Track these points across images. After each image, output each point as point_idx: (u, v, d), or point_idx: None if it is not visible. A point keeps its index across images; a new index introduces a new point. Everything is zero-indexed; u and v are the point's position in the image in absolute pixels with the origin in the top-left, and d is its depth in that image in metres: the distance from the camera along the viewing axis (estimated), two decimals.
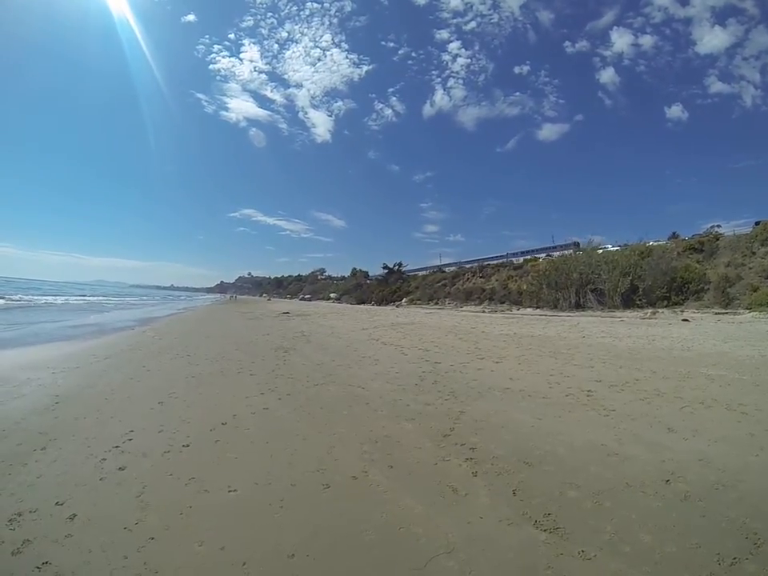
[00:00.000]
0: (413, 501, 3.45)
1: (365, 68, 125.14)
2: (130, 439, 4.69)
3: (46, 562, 2.65)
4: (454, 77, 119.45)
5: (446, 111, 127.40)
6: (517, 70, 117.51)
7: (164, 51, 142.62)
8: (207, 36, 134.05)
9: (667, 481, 3.71)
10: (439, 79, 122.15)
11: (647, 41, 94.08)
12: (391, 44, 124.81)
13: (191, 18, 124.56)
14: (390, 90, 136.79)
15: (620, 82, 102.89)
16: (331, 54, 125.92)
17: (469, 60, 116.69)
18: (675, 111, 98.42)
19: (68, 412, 5.57)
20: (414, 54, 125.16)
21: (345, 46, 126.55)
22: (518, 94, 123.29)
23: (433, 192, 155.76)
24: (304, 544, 2.90)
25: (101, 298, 50.64)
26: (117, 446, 4.48)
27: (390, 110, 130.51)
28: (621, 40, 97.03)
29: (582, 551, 2.79)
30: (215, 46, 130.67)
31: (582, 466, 4.02)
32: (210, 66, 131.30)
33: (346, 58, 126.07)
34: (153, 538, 2.93)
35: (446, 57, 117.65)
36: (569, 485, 3.66)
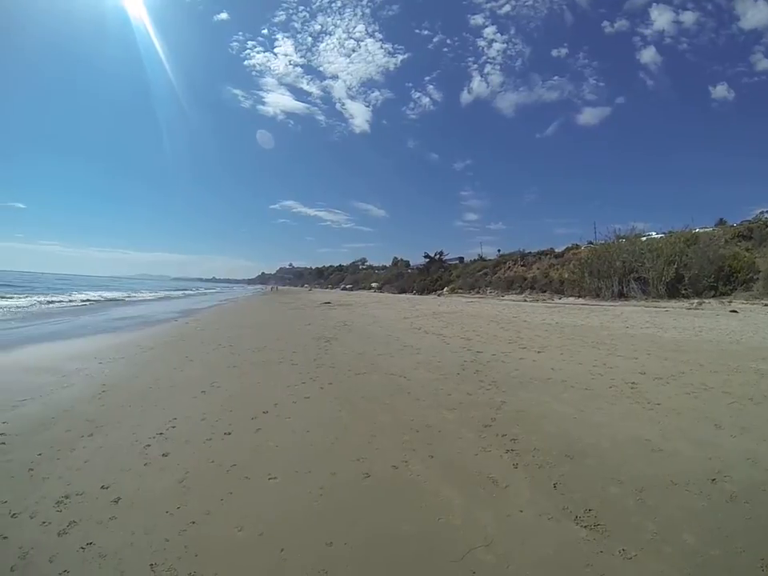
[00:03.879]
0: (452, 492, 3.47)
1: (400, 57, 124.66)
2: (174, 427, 4.91)
3: (91, 543, 2.81)
4: (490, 63, 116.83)
5: (484, 98, 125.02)
6: (554, 53, 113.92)
7: (199, 50, 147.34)
8: (240, 33, 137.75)
9: (713, 480, 3.59)
10: (476, 65, 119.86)
11: (688, 17, 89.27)
12: (425, 32, 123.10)
13: (224, 16, 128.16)
14: (427, 78, 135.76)
15: (662, 61, 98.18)
16: (365, 45, 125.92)
17: (505, 45, 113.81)
18: (721, 91, 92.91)
19: (114, 400, 5.87)
20: (448, 41, 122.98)
21: (379, 35, 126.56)
22: (556, 78, 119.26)
23: (473, 180, 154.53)
24: (342, 532, 2.95)
25: (144, 292, 52.76)
26: (161, 433, 4.70)
27: (428, 99, 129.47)
28: (661, 17, 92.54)
29: (623, 550, 2.73)
30: (249, 42, 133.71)
31: (625, 461, 3.96)
32: (245, 62, 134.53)
33: (381, 47, 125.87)
34: (194, 522, 3.06)
35: (481, 42, 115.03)
36: (611, 480, 3.60)
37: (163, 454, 4.18)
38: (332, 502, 3.36)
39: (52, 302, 27.17)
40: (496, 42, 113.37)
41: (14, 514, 3.13)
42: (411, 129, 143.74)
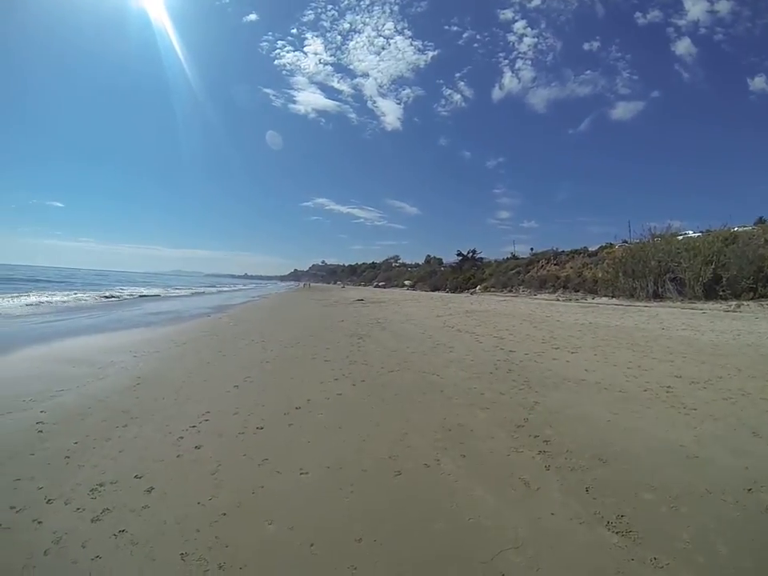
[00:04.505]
0: (484, 492, 3.45)
1: (430, 54, 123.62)
2: (207, 420, 5.02)
3: (123, 530, 2.89)
4: (521, 58, 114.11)
5: (516, 94, 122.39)
6: (586, 46, 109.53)
7: (229, 51, 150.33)
8: (270, 33, 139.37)
9: (749, 489, 3.45)
10: (506, 61, 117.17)
11: (723, 6, 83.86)
12: (455, 28, 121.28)
13: (253, 17, 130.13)
14: (458, 74, 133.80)
15: (697, 53, 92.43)
16: (395, 42, 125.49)
17: (535, 39, 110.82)
18: (759, 82, 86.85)
19: (148, 393, 6.04)
20: (478, 37, 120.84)
21: (408, 32, 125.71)
22: (588, 72, 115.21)
23: (505, 177, 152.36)
24: (372, 529, 2.97)
25: (177, 287, 54.20)
26: (193, 426, 4.81)
27: (459, 96, 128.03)
28: (695, 7, 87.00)
29: (655, 558, 2.66)
30: (279, 41, 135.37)
31: (659, 467, 3.86)
32: (276, 62, 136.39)
33: (411, 44, 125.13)
34: (225, 514, 3.11)
35: (511, 37, 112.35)
36: (644, 486, 3.52)
37: (196, 447, 4.27)
38: (363, 498, 3.38)
39: (87, 297, 28.18)
40: (526, 36, 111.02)
41: (50, 500, 3.24)
42: (443, 126, 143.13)
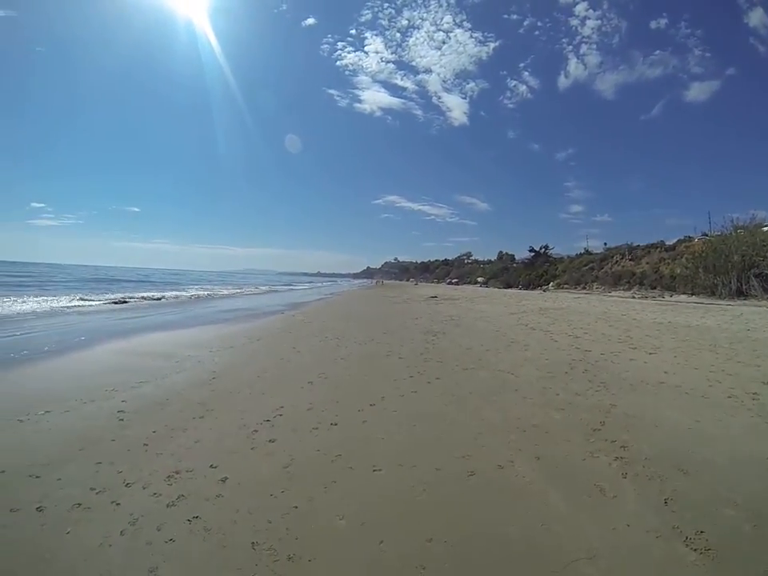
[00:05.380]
0: (558, 497, 3.35)
1: (491, 45, 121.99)
2: (281, 415, 5.16)
3: (197, 517, 3.01)
4: (585, 42, 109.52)
5: (582, 81, 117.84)
6: (653, 24, 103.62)
7: (292, 55, 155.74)
8: (330, 35, 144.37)
9: None
10: (570, 47, 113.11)
11: None
12: (514, 16, 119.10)
13: (311, 21, 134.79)
14: (521, 64, 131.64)
15: None
16: (455, 35, 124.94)
17: (599, 21, 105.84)
18: None
19: (223, 386, 6.30)
20: (539, 24, 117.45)
21: (467, 25, 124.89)
22: (658, 52, 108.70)
23: (576, 169, 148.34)
24: (443, 530, 2.93)
25: (250, 285, 56.42)
26: (268, 420, 4.96)
27: (524, 86, 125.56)
28: None
29: None
30: (339, 43, 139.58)
31: (744, 482, 3.58)
32: (338, 63, 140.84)
33: (471, 37, 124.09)
34: (296, 507, 3.17)
35: (574, 21, 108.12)
36: (726, 501, 3.27)
37: (270, 440, 4.40)
38: (435, 497, 3.35)
39: (163, 296, 29.94)
40: (589, 19, 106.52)
41: (128, 484, 3.45)
42: (510, 119, 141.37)
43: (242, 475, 3.65)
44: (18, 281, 38.94)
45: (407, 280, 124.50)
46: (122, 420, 4.86)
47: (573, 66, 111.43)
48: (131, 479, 3.51)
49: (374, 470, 3.77)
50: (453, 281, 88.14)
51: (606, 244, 56.03)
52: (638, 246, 46.44)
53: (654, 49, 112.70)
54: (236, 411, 5.26)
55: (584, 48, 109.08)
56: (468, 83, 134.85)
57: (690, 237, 41.74)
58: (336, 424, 4.88)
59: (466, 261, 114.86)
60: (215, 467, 3.77)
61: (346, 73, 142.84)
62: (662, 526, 2.97)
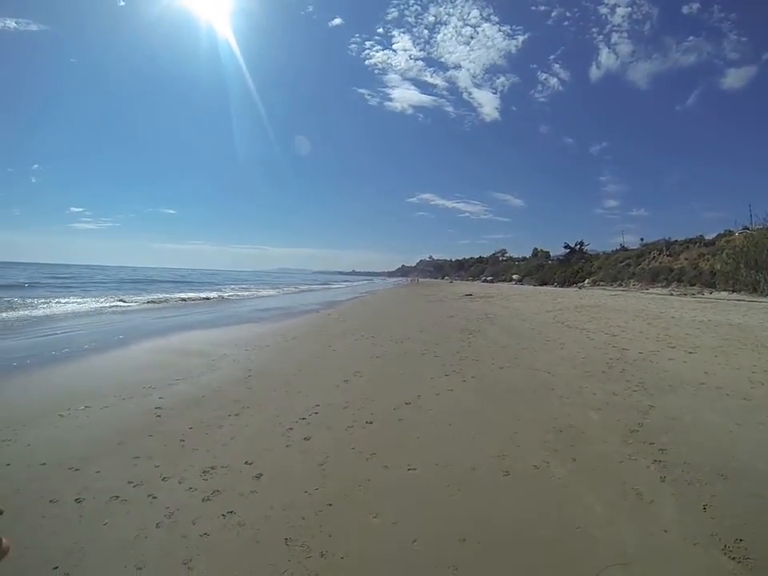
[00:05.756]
0: (593, 500, 3.29)
1: (520, 38, 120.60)
2: (316, 413, 5.21)
3: (231, 512, 3.07)
4: (616, 31, 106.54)
5: (615, 71, 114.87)
6: (685, 9, 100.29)
7: (320, 56, 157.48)
8: (357, 34, 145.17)
9: None
10: (601, 36, 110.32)
11: None
12: (542, 7, 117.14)
13: (338, 21, 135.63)
14: (551, 57, 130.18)
15: None
16: (483, 30, 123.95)
17: (629, 9, 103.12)
18: None
19: (259, 384, 6.41)
20: (568, 14, 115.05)
21: (494, 18, 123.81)
22: (691, 38, 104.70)
23: (610, 163, 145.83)
24: (476, 530, 2.90)
25: (285, 285, 57.09)
26: (303, 418, 5.01)
27: (555, 79, 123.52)
28: None
29: None
30: (366, 42, 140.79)
31: None
32: (366, 62, 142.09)
33: (499, 30, 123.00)
34: (330, 505, 3.19)
35: (603, 10, 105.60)
36: None
37: (305, 438, 4.45)
38: (469, 497, 3.33)
39: (200, 296, 30.63)
40: (619, 6, 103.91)
41: (165, 478, 3.54)
42: (542, 113, 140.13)
43: (276, 472, 3.70)
44: (60, 282, 40.45)
45: (442, 278, 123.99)
46: (159, 416, 4.99)
47: (604, 56, 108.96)
48: (168, 473, 3.60)
49: (409, 469, 3.76)
50: (488, 278, 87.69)
51: (642, 239, 55.33)
52: (676, 241, 45.71)
53: (687, 35, 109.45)
54: (271, 409, 5.34)
55: (615, 37, 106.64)
56: (498, 78, 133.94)
57: (730, 231, 40.56)
58: (371, 422, 4.90)
59: (500, 258, 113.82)
60: (250, 464, 3.83)
61: (375, 72, 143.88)
62: (700, 533, 2.88)
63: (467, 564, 2.58)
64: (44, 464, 3.75)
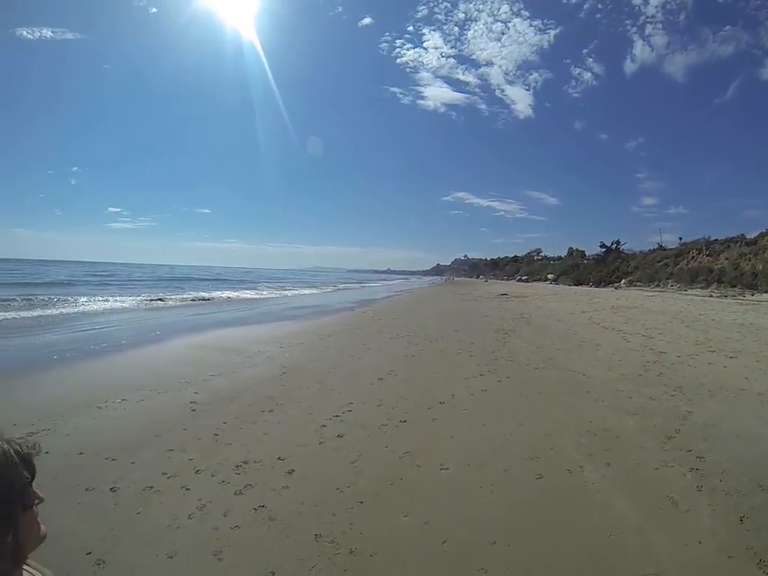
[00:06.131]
0: (627, 507, 3.22)
1: (552, 32, 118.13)
2: (350, 410, 5.25)
3: (263, 506, 3.11)
4: (650, 22, 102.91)
5: (650, 64, 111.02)
6: None
7: (351, 55, 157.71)
8: (387, 33, 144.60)
9: None
10: (635, 28, 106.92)
11: None
12: (573, 0, 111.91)
13: (367, 21, 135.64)
14: (584, 51, 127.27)
15: None
16: (513, 25, 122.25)
17: None
18: None
19: (293, 381, 6.48)
20: (600, 6, 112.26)
21: (525, 13, 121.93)
22: (728, 27, 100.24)
23: (647, 159, 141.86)
24: (507, 532, 2.87)
25: (319, 283, 57.60)
26: (337, 416, 5.06)
27: (589, 74, 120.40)
28: None
29: None
30: (397, 40, 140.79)
31: None
32: (398, 60, 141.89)
33: (530, 25, 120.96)
34: (361, 502, 3.20)
35: (636, 1, 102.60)
36: None
37: (338, 435, 4.49)
38: (501, 499, 3.30)
39: (235, 294, 31.24)
40: None
41: (198, 471, 3.62)
42: (576, 109, 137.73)
43: (309, 468, 3.74)
44: (99, 279, 41.80)
45: (477, 277, 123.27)
46: (194, 410, 5.10)
47: (639, 48, 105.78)
48: (201, 467, 3.68)
49: (441, 469, 3.76)
50: (522, 278, 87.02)
51: (681, 238, 53.84)
52: (716, 240, 44.40)
53: (724, 24, 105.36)
54: (305, 406, 5.40)
55: (649, 28, 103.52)
56: (531, 74, 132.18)
57: None
58: (405, 421, 4.91)
59: (535, 257, 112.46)
60: (283, 459, 3.88)
61: (407, 70, 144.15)
62: (736, 546, 2.77)
63: (497, 567, 2.56)
64: (81, 453, 3.89)
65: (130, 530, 2.80)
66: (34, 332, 10.94)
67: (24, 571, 0.79)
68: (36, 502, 0.75)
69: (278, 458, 3.90)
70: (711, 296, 29.76)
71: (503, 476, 3.65)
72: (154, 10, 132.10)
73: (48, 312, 15.09)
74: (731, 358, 8.27)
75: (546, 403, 5.53)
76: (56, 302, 18.41)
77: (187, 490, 3.31)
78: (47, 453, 3.79)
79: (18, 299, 18.15)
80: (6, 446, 0.71)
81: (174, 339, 10.21)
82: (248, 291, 34.54)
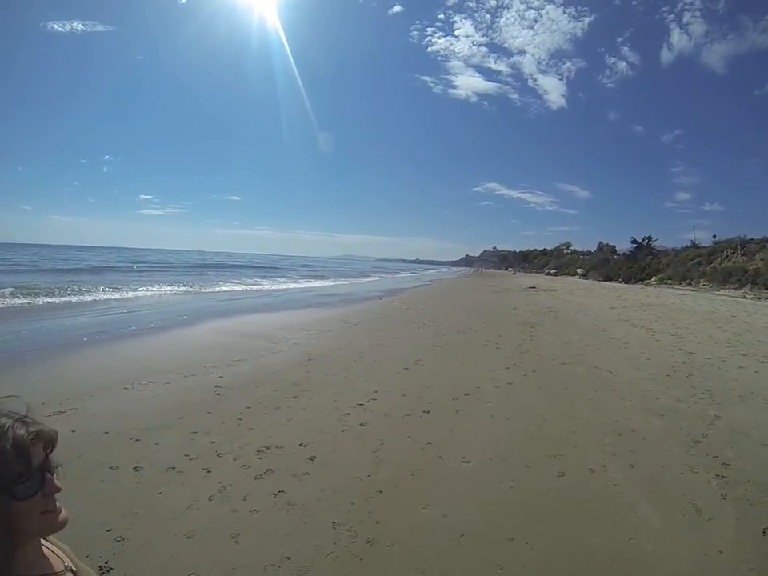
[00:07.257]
0: (649, 511, 3.14)
1: (586, 20, 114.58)
2: (374, 399, 5.28)
3: (282, 491, 3.15)
4: (688, 9, 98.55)
5: (687, 53, 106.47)
6: None
7: (381, 44, 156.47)
8: (418, 21, 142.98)
9: None
10: (672, 16, 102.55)
11: None
12: None
13: (397, 9, 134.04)
14: (619, 39, 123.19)
15: None
16: (546, 12, 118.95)
17: None
18: None
19: (319, 369, 6.54)
20: None
21: (558, 0, 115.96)
22: None
23: (683, 153, 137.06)
24: (526, 530, 2.85)
25: (349, 271, 57.91)
26: (361, 404, 5.08)
27: (623, 63, 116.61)
28: None
29: None
30: (428, 29, 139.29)
31: None
32: (429, 49, 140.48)
33: (563, 12, 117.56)
34: (381, 492, 3.21)
35: None
36: None
37: (361, 424, 4.51)
38: (522, 496, 3.27)
39: (267, 281, 31.60)
40: None
41: (220, 454, 3.68)
42: (610, 99, 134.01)
43: (330, 456, 3.77)
44: (130, 266, 42.29)
45: (506, 269, 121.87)
46: (219, 394, 5.19)
47: (676, 37, 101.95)
48: (223, 450, 3.74)
49: (463, 462, 3.74)
50: (551, 271, 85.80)
51: (715, 237, 51.67)
52: (752, 239, 42.46)
53: (764, 13, 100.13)
54: (330, 393, 5.44)
55: (687, 16, 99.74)
56: (564, 63, 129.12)
57: None
58: (429, 412, 4.90)
59: (565, 251, 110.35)
60: (305, 446, 3.92)
61: (438, 58, 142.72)
62: (758, 558, 2.69)
63: (513, 564, 2.55)
64: (107, 433, 3.99)
65: (151, 509, 2.86)
66: (66, 314, 11.32)
67: (43, 547, 0.80)
68: (45, 491, 0.74)
69: (300, 444, 3.94)
70: (744, 297, 28.88)
71: (524, 472, 3.62)
72: (183, 0, 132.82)
73: (79, 298, 15.28)
74: (763, 362, 8.02)
75: (572, 400, 5.47)
76: (88, 287, 18.70)
77: (208, 472, 3.37)
78: (73, 431, 3.93)
79: (57, 286, 18.23)
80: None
81: (201, 324, 10.43)
82: (279, 278, 34.91)
